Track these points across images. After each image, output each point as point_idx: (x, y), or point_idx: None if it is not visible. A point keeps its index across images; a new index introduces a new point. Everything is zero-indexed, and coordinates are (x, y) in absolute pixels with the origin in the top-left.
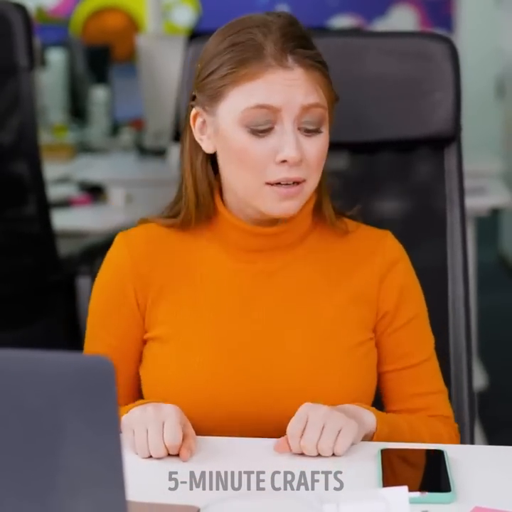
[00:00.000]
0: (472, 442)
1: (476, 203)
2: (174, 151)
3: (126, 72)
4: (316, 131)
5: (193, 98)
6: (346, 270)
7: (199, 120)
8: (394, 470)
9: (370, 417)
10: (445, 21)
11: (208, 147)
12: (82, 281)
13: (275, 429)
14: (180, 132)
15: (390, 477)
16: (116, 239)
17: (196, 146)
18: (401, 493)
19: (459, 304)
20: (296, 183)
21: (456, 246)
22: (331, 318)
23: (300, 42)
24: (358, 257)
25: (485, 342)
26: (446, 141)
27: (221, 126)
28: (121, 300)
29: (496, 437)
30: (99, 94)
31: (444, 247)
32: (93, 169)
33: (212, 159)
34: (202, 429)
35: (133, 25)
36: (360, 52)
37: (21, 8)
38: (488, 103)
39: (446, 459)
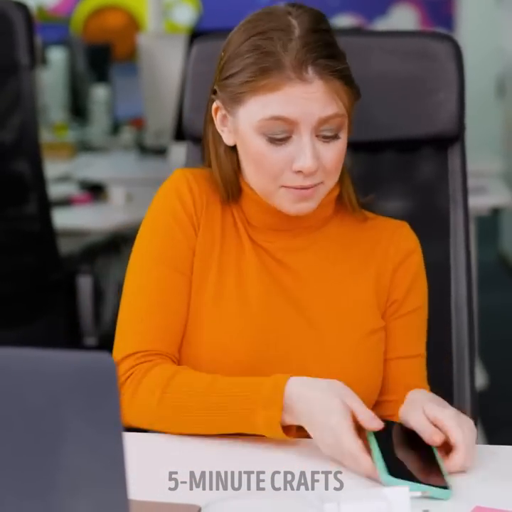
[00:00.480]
0: None
1: (477, 203)
2: (175, 150)
3: (127, 70)
4: (334, 137)
5: (214, 92)
6: (364, 257)
7: (220, 113)
8: (394, 454)
9: None
10: (446, 21)
11: (228, 140)
12: (83, 280)
13: None
14: (181, 131)
15: (392, 462)
16: (181, 172)
17: (219, 136)
18: (402, 492)
19: (461, 304)
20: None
21: (459, 246)
22: (346, 301)
23: (321, 52)
24: (375, 245)
25: (485, 341)
26: (449, 140)
27: (240, 127)
28: (184, 231)
29: (496, 437)
30: (99, 93)
31: (447, 246)
32: (94, 168)
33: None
34: None
35: (133, 24)
36: (363, 51)
37: (22, 7)
38: (489, 103)
39: (435, 452)
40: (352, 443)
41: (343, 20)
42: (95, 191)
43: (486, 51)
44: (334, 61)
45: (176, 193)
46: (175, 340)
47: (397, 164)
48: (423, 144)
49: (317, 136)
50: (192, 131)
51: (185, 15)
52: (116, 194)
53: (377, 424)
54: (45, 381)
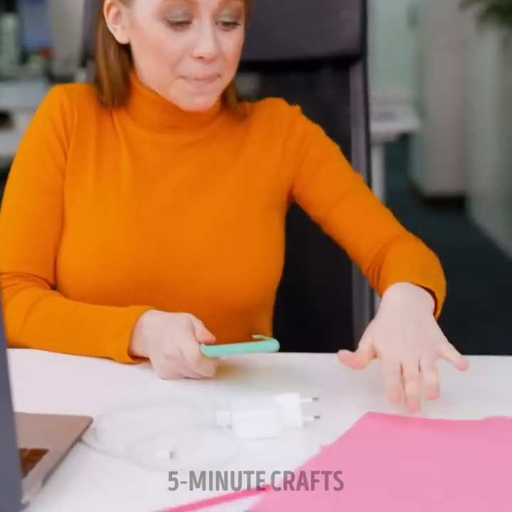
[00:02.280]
0: None
1: (385, 128)
2: (82, 77)
3: (35, 0)
4: (234, 24)
5: None
6: (250, 143)
7: (113, 10)
8: None
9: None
10: None
11: (121, 37)
12: None
13: (188, 297)
14: (87, 57)
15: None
16: (55, 89)
17: (109, 35)
18: (293, 399)
19: None
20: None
21: (361, 167)
22: (235, 185)
23: None
24: (258, 128)
25: None
26: (351, 60)
27: (137, 18)
28: (52, 153)
29: None
30: (8, 23)
31: None
32: (1, 97)
33: (125, 46)
34: (119, 300)
35: None
36: None
37: None
38: (401, 31)
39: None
40: (192, 344)
41: None
42: (1, 119)
43: None
44: None
45: (47, 114)
46: (46, 261)
47: (300, 84)
48: (325, 62)
49: (217, 23)
50: (92, 51)
51: None
52: (23, 122)
53: (210, 338)
54: None
